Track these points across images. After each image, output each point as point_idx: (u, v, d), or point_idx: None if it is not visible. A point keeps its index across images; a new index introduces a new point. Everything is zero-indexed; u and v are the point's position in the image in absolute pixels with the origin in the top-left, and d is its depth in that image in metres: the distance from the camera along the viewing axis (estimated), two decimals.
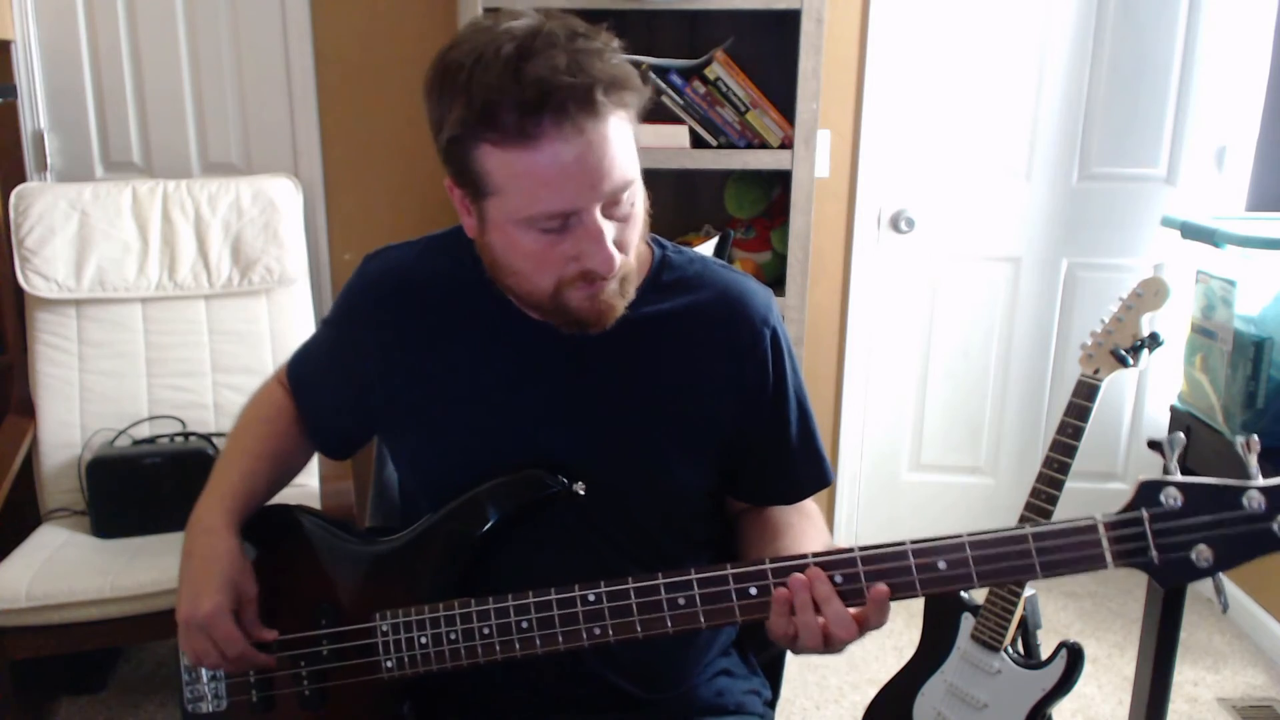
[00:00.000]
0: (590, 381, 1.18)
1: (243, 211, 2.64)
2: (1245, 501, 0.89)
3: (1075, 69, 2.95)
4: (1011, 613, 1.85)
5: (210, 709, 1.23)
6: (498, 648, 1.09)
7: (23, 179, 2.72)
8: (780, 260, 2.70)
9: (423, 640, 1.13)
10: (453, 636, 1.11)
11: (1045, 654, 1.86)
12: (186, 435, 2.51)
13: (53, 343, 2.52)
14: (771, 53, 2.66)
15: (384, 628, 1.15)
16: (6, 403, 2.56)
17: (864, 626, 1.00)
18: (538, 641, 1.08)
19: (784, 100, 2.57)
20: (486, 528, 1.15)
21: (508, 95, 0.96)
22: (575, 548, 1.19)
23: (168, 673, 2.63)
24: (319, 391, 1.32)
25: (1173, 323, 1.99)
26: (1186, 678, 2.63)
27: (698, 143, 2.59)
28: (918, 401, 3.23)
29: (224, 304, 2.63)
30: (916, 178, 3.05)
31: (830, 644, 1.00)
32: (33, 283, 2.49)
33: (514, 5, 2.34)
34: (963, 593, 1.94)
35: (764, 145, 2.59)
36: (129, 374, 2.56)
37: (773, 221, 2.78)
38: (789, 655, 1.28)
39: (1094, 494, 3.06)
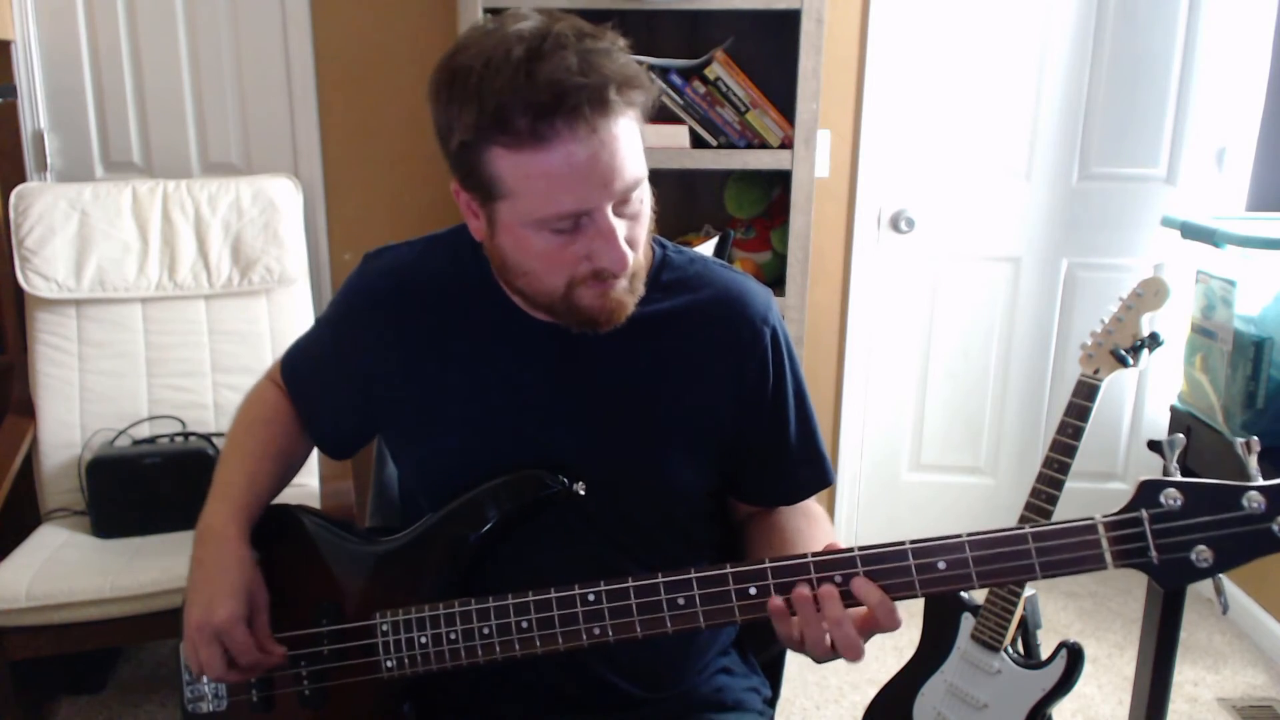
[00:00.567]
0: (590, 381, 1.18)
1: (243, 211, 2.64)
2: (1245, 502, 0.89)
3: (1075, 69, 2.95)
4: (1011, 613, 1.85)
5: (210, 709, 1.23)
6: (497, 647, 1.09)
7: (23, 179, 2.72)
8: (780, 260, 2.70)
9: (423, 640, 1.13)
10: (452, 636, 1.11)
11: (1045, 654, 1.86)
12: (186, 435, 2.51)
13: (53, 343, 2.52)
14: (771, 53, 2.67)
15: (384, 627, 1.15)
16: (6, 403, 2.56)
17: (872, 630, 0.99)
18: (537, 641, 1.08)
19: (784, 100, 2.57)
20: (486, 527, 1.15)
21: (520, 98, 0.95)
22: (575, 547, 1.19)
23: (168, 673, 2.63)
24: (317, 391, 1.32)
25: (1173, 323, 1.98)
26: (1186, 678, 2.63)
27: (698, 143, 2.59)
28: (918, 401, 3.23)
29: (224, 304, 2.63)
30: (916, 178, 3.05)
31: (836, 653, 1.00)
32: (33, 283, 2.49)
33: (515, 5, 2.35)
34: (963, 592, 1.94)
35: (764, 145, 2.59)
36: (129, 374, 2.56)
37: (773, 221, 2.78)
38: (789, 655, 1.28)
39: (1094, 494, 3.06)
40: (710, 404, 1.19)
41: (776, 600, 1.00)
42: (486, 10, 2.47)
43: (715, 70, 2.55)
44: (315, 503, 2.34)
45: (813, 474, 1.27)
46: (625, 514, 1.20)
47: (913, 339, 3.18)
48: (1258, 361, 1.76)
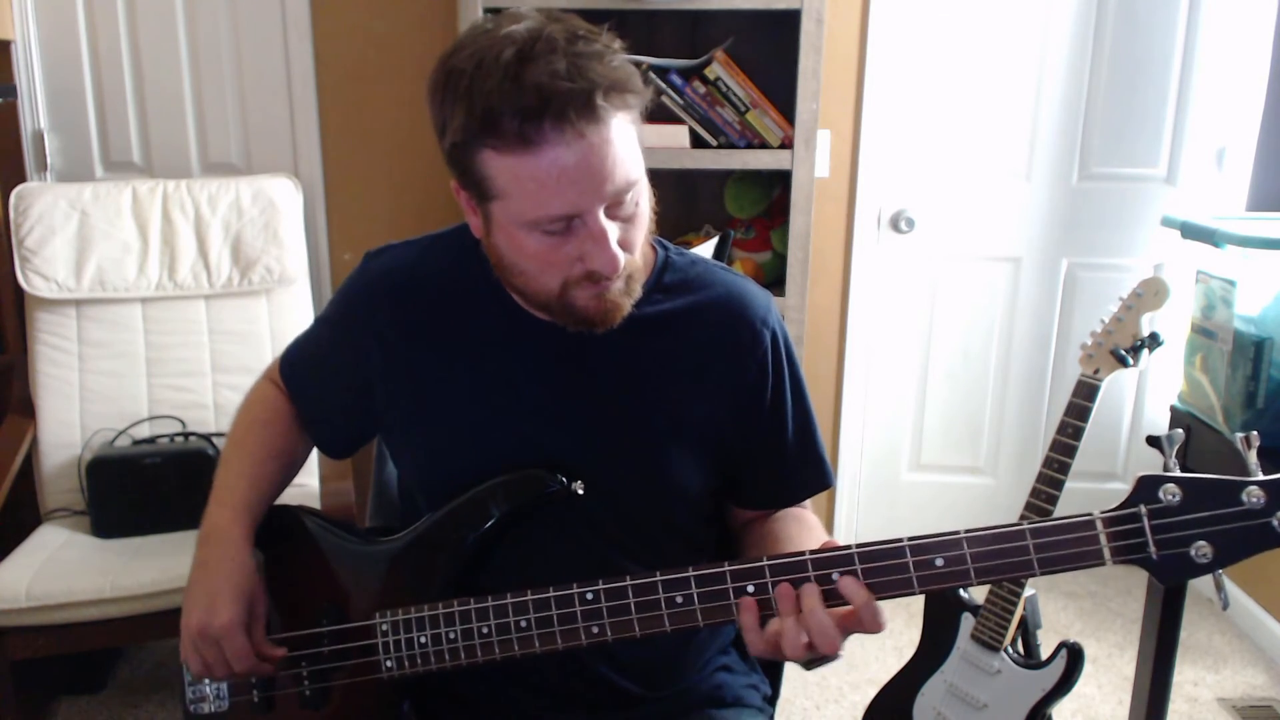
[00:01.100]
0: (590, 381, 1.18)
1: (243, 211, 2.64)
2: (1245, 497, 0.89)
3: (1075, 69, 2.95)
4: (1011, 612, 1.85)
5: (212, 709, 1.23)
6: (496, 647, 1.09)
7: (23, 179, 2.72)
8: (780, 260, 2.70)
9: (422, 640, 1.13)
10: (452, 636, 1.11)
11: (1045, 654, 1.86)
12: (186, 435, 2.51)
13: (53, 343, 2.52)
14: (771, 53, 2.66)
15: (384, 627, 1.15)
16: (6, 403, 2.56)
17: (853, 630, 0.98)
18: (536, 641, 1.08)
19: (784, 100, 2.57)
20: (486, 527, 1.15)
21: (508, 101, 0.95)
22: (574, 547, 1.19)
23: (168, 673, 2.63)
24: (317, 391, 1.32)
25: (1173, 323, 1.98)
26: (1186, 678, 2.63)
27: (698, 143, 2.59)
28: (917, 402, 3.23)
29: (224, 304, 2.63)
30: (916, 178, 3.05)
31: (813, 652, 0.98)
32: (33, 283, 2.49)
33: (515, 5, 2.35)
34: (962, 592, 1.94)
35: (764, 145, 2.59)
36: (129, 374, 2.56)
37: (773, 221, 2.78)
38: None
39: (1094, 494, 3.04)
40: (710, 405, 1.19)
41: (749, 600, 0.99)
42: (487, 10, 2.47)
43: (715, 70, 2.55)
44: (315, 503, 2.34)
45: (812, 476, 1.27)
46: (624, 514, 1.20)
47: (913, 339, 3.18)
48: (1258, 361, 1.76)
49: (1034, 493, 1.79)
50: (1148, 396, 3.16)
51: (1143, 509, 0.91)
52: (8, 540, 2.29)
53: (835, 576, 0.98)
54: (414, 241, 1.28)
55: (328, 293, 3.00)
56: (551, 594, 1.07)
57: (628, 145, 1.02)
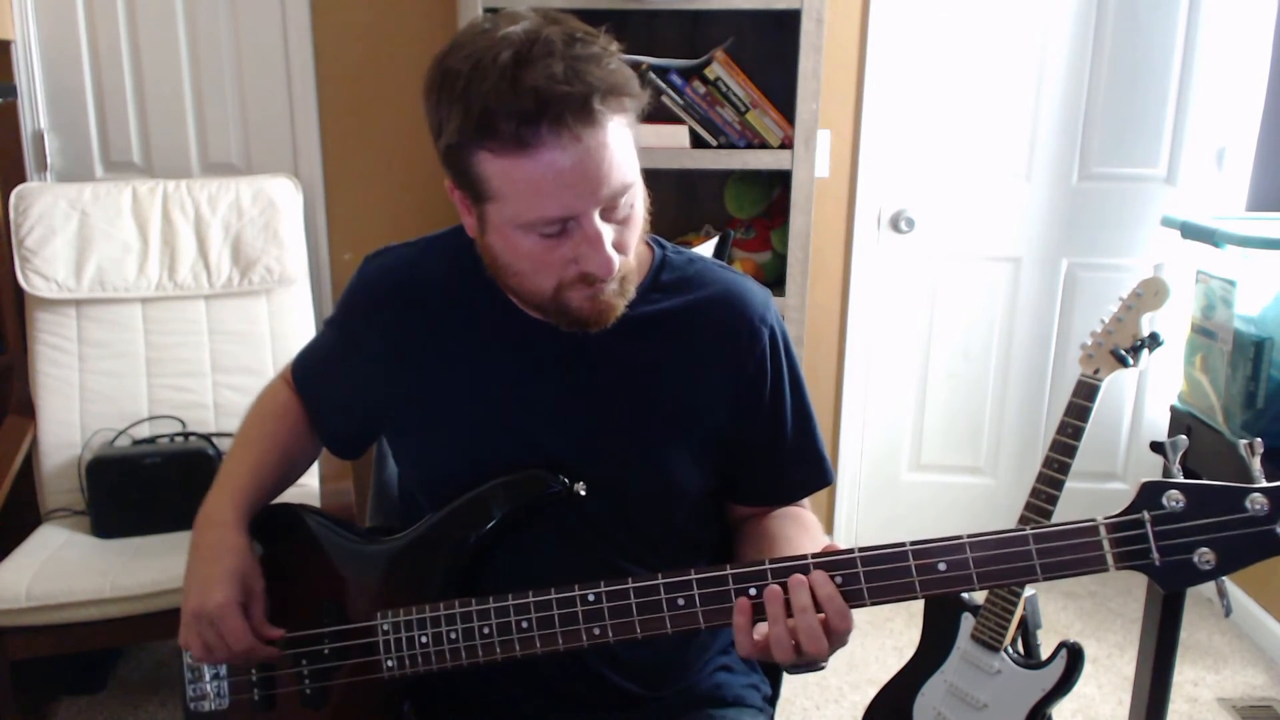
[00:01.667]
0: (590, 381, 1.18)
1: (243, 211, 2.64)
2: (1248, 504, 0.89)
3: (1075, 69, 2.94)
4: (1011, 613, 1.85)
5: (212, 707, 1.23)
6: (497, 647, 1.09)
7: (23, 179, 2.72)
8: (780, 260, 2.70)
9: (423, 640, 1.13)
10: (453, 636, 1.11)
11: (1045, 654, 1.86)
12: (186, 435, 2.51)
13: (53, 343, 2.52)
14: (771, 53, 2.66)
15: (385, 627, 1.15)
16: (6, 403, 2.56)
17: (827, 630, 0.98)
18: (537, 641, 1.08)
19: (784, 100, 2.57)
20: (487, 527, 1.15)
21: (505, 104, 0.95)
22: (575, 547, 1.19)
23: (168, 673, 2.63)
24: (325, 391, 1.32)
25: (1173, 323, 1.98)
26: (1186, 678, 2.63)
27: (698, 143, 2.59)
28: (918, 401, 3.23)
29: (224, 304, 2.63)
30: (916, 178, 3.05)
31: (800, 655, 0.99)
32: (33, 283, 2.49)
33: (514, 5, 2.35)
34: (962, 592, 1.94)
35: (764, 145, 2.59)
36: (129, 374, 2.56)
37: (773, 221, 2.78)
38: None
39: (1094, 494, 3.06)
40: (709, 403, 1.20)
41: (744, 601, 1.00)
42: (487, 10, 2.46)
43: (715, 70, 2.55)
44: (315, 503, 2.33)
45: (812, 473, 1.27)
46: (625, 514, 1.20)
47: (913, 339, 3.18)
48: (1258, 361, 1.76)
49: (1034, 493, 1.79)
50: (1148, 396, 3.16)
51: (1146, 515, 0.92)
52: (8, 540, 2.29)
53: (839, 579, 0.98)
54: (413, 243, 1.28)
55: (328, 293, 3.00)
56: (553, 595, 1.07)
57: (624, 148, 1.02)
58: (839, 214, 3.04)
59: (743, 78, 2.56)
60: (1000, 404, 3.21)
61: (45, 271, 2.49)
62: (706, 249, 2.46)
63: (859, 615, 1.00)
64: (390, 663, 1.15)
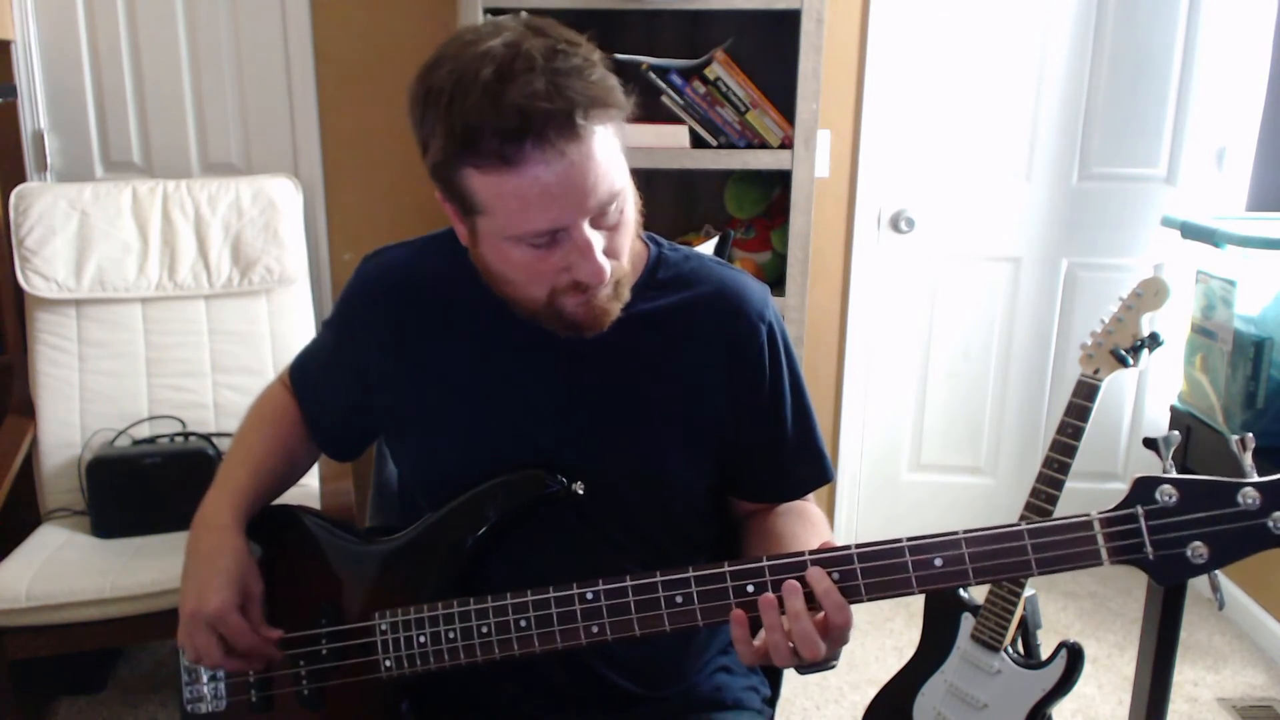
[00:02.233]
0: (588, 379, 1.18)
1: (243, 211, 2.64)
2: (1240, 498, 0.89)
3: (1075, 69, 2.95)
4: (1011, 613, 1.85)
5: (209, 709, 1.23)
6: (496, 647, 1.09)
7: (23, 179, 2.72)
8: (780, 260, 2.70)
9: (421, 640, 1.13)
10: (451, 636, 1.11)
11: (1045, 654, 1.86)
12: (186, 435, 2.51)
13: (53, 343, 2.52)
14: (771, 53, 2.67)
15: (383, 627, 1.15)
16: (6, 403, 2.56)
17: (826, 630, 0.98)
18: (536, 640, 1.08)
19: (784, 100, 2.57)
20: (485, 527, 1.15)
21: (487, 122, 0.95)
22: (574, 547, 1.19)
23: (167, 673, 2.63)
24: (321, 393, 1.32)
25: (1173, 323, 1.98)
26: (1186, 678, 2.63)
27: (698, 143, 2.59)
28: (918, 401, 3.23)
29: (224, 304, 2.63)
30: (916, 178, 3.05)
31: (799, 659, 0.98)
32: (33, 283, 2.49)
33: (515, 5, 2.35)
34: (962, 592, 1.94)
35: (764, 145, 2.59)
36: (129, 374, 2.56)
37: (773, 221, 2.78)
38: None
39: (1094, 494, 3.02)
40: (708, 400, 1.20)
41: (739, 613, 1.00)
42: (487, 10, 2.47)
43: (715, 70, 2.55)
44: (315, 503, 2.34)
45: (811, 471, 1.27)
46: (624, 513, 1.20)
47: (913, 339, 3.18)
48: (1258, 361, 1.76)
49: (1034, 493, 1.79)
50: (1148, 396, 3.16)
51: (1139, 510, 0.92)
52: (8, 540, 2.29)
53: (836, 576, 0.98)
54: (410, 242, 1.28)
55: (328, 293, 3.00)
56: (551, 594, 1.07)
57: (610, 156, 1.01)
58: (839, 214, 3.04)
59: (743, 78, 2.56)
60: (1000, 404, 3.21)
61: (45, 271, 2.49)
62: (707, 249, 2.46)
63: (859, 615, 1.00)
64: (388, 663, 1.15)
